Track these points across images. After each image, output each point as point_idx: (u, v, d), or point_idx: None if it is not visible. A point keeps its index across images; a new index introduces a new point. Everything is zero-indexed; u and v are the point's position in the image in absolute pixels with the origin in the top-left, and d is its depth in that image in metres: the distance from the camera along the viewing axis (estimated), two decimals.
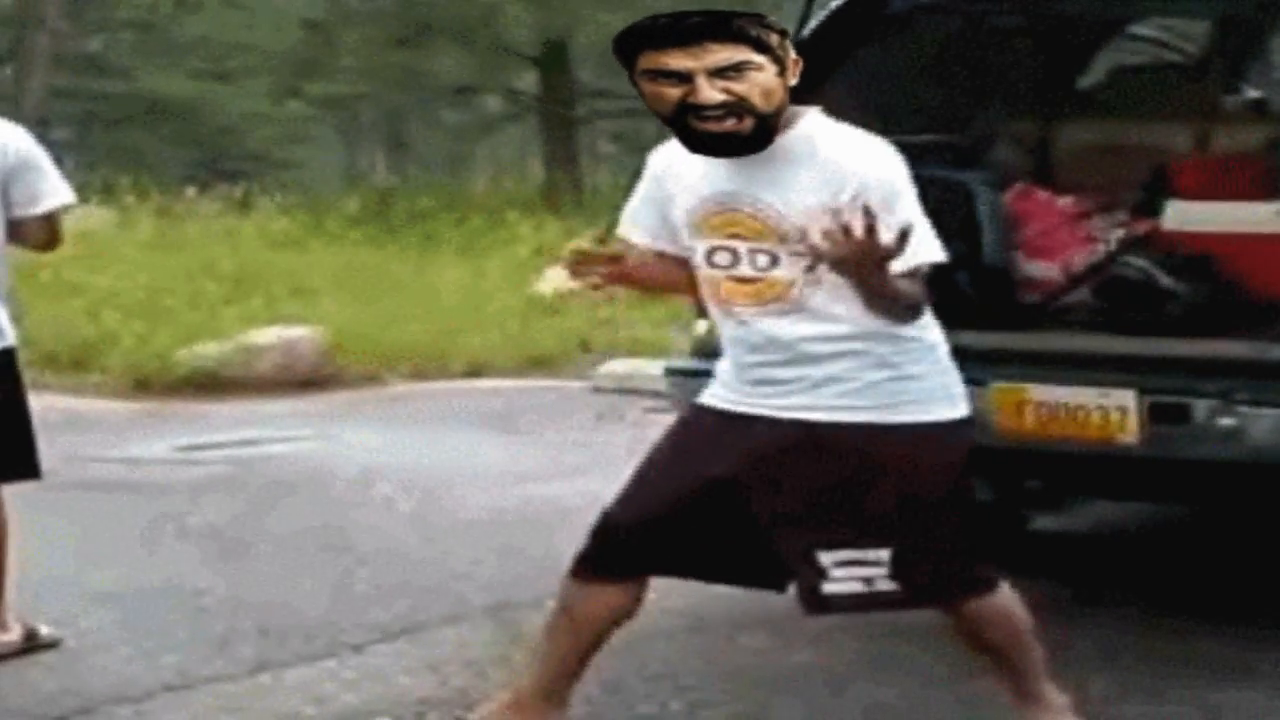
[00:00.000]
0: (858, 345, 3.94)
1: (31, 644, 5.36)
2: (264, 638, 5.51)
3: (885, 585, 4.02)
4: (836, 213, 3.68)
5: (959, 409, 4.05)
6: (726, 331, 4.08)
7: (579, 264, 4.05)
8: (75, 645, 5.42)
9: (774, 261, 3.94)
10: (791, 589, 4.20)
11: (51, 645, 5.39)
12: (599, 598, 4.17)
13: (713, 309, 4.11)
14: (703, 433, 4.15)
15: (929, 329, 4.03)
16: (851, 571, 4.02)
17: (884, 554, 4.00)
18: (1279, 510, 5.80)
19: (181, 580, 6.25)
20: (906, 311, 3.90)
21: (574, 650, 4.21)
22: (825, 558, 4.02)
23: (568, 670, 4.23)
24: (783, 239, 3.90)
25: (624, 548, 4.13)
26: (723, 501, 4.04)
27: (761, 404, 4.03)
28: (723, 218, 3.97)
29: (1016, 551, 6.28)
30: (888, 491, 3.97)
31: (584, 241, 4.09)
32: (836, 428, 3.96)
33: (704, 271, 4.05)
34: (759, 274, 3.96)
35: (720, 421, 4.10)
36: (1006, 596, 4.18)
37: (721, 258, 4.00)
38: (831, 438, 3.97)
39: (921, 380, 4.00)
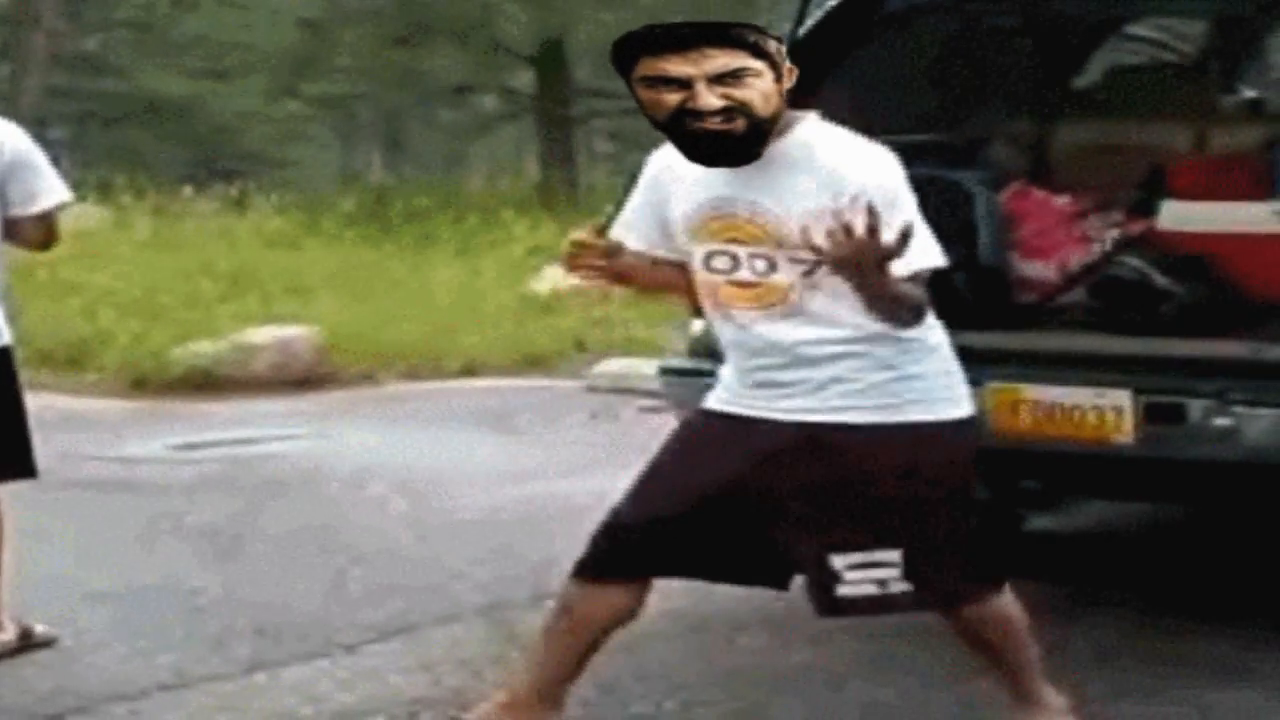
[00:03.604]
0: (859, 348, 3.94)
1: (27, 643, 5.35)
2: (259, 637, 5.51)
3: (899, 587, 4.03)
4: (838, 213, 3.69)
5: (962, 408, 4.06)
6: (726, 335, 4.08)
7: (577, 256, 4.03)
8: (71, 644, 5.42)
9: (772, 267, 3.94)
10: (795, 588, 4.20)
11: (47, 644, 5.39)
12: (601, 599, 4.15)
13: (711, 313, 4.10)
14: (708, 436, 4.15)
15: (931, 329, 4.03)
16: (865, 574, 4.02)
17: (895, 555, 4.00)
18: (1275, 510, 5.80)
19: (177, 579, 6.25)
20: (908, 314, 3.90)
21: (572, 651, 4.20)
22: (837, 561, 4.02)
23: (565, 671, 4.22)
24: (780, 244, 3.90)
25: (630, 550, 4.12)
26: (729, 504, 4.04)
27: (764, 406, 4.04)
28: (720, 223, 3.97)
29: (1012, 551, 6.30)
30: (894, 492, 3.97)
31: (582, 232, 4.06)
32: (840, 429, 3.97)
33: (702, 276, 4.05)
34: (759, 278, 3.96)
35: (724, 424, 4.11)
36: (1007, 598, 4.18)
37: (721, 262, 4.00)
38: (836, 439, 3.97)
39: (924, 379, 4.00)
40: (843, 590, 4.04)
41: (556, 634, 4.22)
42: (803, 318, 3.95)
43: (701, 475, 4.07)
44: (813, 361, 3.97)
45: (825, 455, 3.98)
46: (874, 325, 3.91)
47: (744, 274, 3.98)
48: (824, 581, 4.05)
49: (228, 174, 25.23)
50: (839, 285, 3.81)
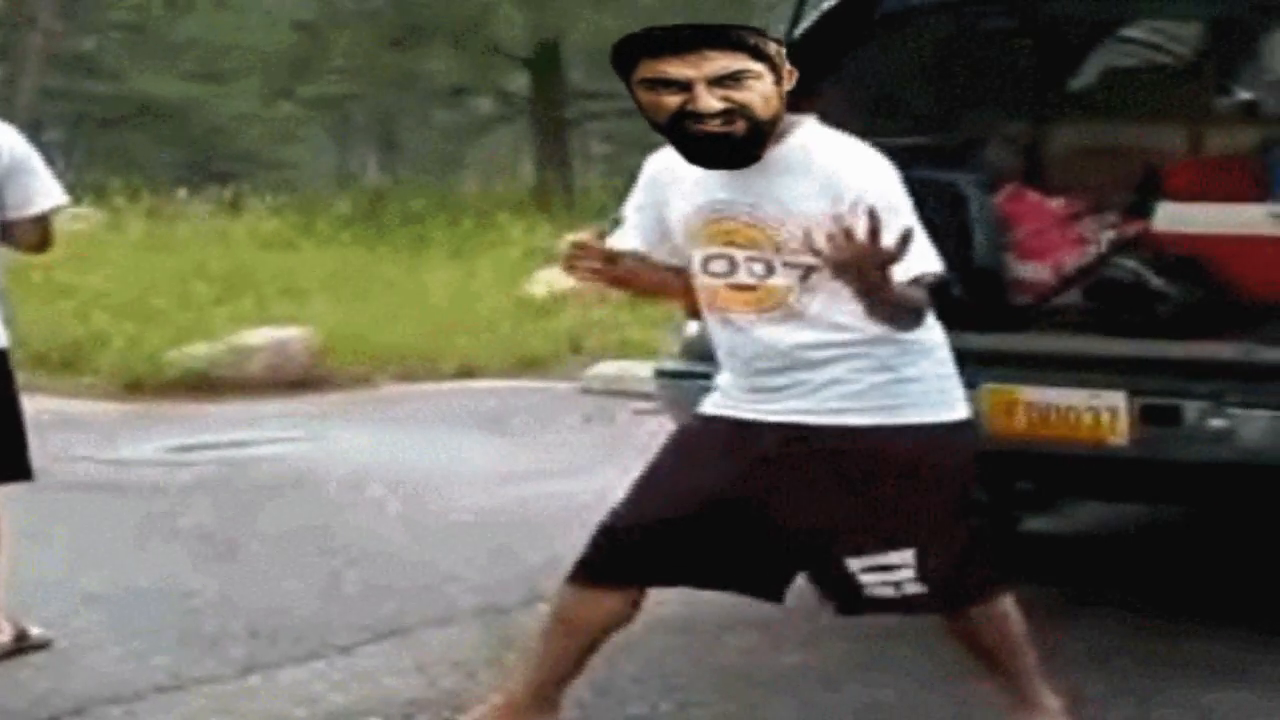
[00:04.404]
0: (858, 349, 3.94)
1: (22, 645, 5.34)
2: (254, 639, 5.50)
3: (914, 589, 4.04)
4: (839, 217, 3.69)
5: (959, 410, 4.06)
6: (723, 339, 4.07)
7: (576, 257, 4.02)
8: (66, 646, 5.41)
9: (769, 270, 3.94)
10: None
11: (42, 646, 5.38)
12: (597, 604, 4.15)
13: (709, 316, 4.10)
14: (705, 440, 4.14)
15: (930, 331, 4.02)
16: (880, 577, 4.03)
17: (908, 555, 4.01)
18: (1270, 511, 5.81)
19: (172, 581, 6.25)
20: (909, 317, 3.89)
21: (569, 654, 4.20)
22: (853, 564, 4.04)
23: (561, 674, 4.22)
24: (778, 248, 3.90)
25: (626, 555, 4.11)
26: (729, 510, 4.04)
27: (762, 410, 4.03)
28: (719, 226, 3.97)
29: (1008, 553, 6.30)
30: (897, 492, 3.98)
31: (583, 234, 4.06)
32: (839, 431, 3.96)
33: (701, 279, 4.05)
34: (757, 281, 3.96)
35: (723, 429, 4.10)
36: (1005, 601, 4.19)
37: (719, 265, 4.00)
38: (834, 440, 3.97)
39: (921, 382, 4.00)
40: (866, 592, 4.06)
41: (552, 637, 4.22)
42: (801, 321, 3.95)
43: (700, 480, 4.06)
44: (811, 364, 3.97)
45: (824, 458, 3.98)
46: (873, 328, 3.90)
47: (742, 277, 3.98)
48: (844, 584, 4.07)
49: (222, 176, 25.23)
50: (837, 289, 3.80)
